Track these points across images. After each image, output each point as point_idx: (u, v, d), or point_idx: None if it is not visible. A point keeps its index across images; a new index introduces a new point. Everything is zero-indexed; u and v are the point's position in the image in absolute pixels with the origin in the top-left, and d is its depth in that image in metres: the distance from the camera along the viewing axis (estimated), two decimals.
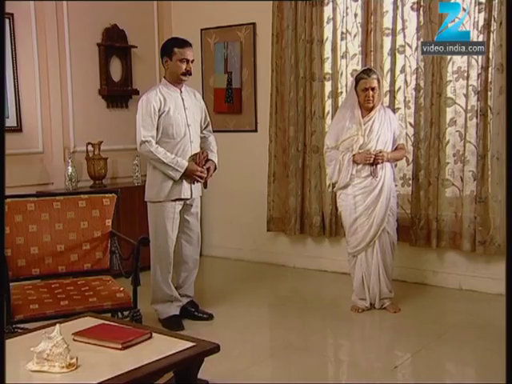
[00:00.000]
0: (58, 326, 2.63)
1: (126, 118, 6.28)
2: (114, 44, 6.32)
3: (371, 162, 4.67)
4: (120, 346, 2.77)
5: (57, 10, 5.86)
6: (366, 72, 4.74)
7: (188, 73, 4.51)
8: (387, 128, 4.77)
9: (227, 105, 6.51)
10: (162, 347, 2.82)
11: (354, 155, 4.71)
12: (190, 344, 2.87)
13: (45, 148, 5.88)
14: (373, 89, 4.66)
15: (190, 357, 2.82)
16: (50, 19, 5.82)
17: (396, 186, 5.07)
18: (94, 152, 6.00)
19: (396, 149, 4.87)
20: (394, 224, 4.88)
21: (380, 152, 4.68)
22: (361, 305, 4.88)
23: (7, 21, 5.43)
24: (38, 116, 5.79)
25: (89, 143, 6.00)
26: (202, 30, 6.63)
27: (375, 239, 4.77)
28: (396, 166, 5.16)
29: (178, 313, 4.67)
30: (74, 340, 2.84)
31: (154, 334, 2.95)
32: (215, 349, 2.89)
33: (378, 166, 4.70)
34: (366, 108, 4.73)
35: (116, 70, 6.40)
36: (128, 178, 6.33)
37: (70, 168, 5.83)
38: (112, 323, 3.19)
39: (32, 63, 5.72)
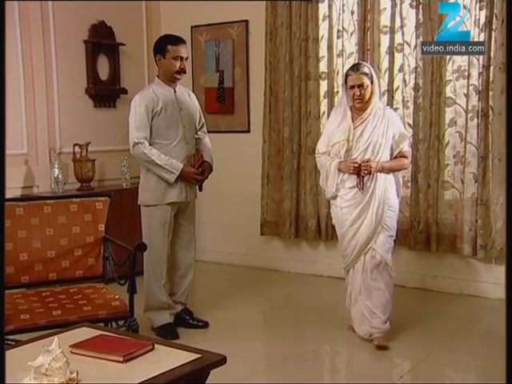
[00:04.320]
0: (56, 338, 2.46)
1: (114, 118, 6.18)
2: (102, 41, 6.17)
3: (355, 172, 4.15)
4: (122, 359, 2.59)
5: (41, 6, 5.70)
6: (354, 67, 4.26)
7: (182, 71, 4.41)
8: (383, 132, 4.21)
9: (219, 105, 6.40)
10: (166, 359, 2.66)
11: (339, 162, 4.23)
12: (196, 356, 2.70)
13: (29, 149, 5.71)
14: (360, 86, 4.14)
15: (196, 370, 2.65)
16: (35, 15, 5.66)
17: (399, 198, 4.41)
18: (82, 153, 5.86)
19: (396, 157, 4.30)
20: (387, 243, 4.26)
21: (367, 161, 4.13)
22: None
23: None
24: (23, 116, 5.62)
25: (76, 144, 5.84)
26: (192, 27, 6.51)
27: (359, 259, 4.26)
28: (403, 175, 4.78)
29: (172, 321, 4.55)
30: (72, 353, 2.66)
31: (156, 346, 2.78)
32: (222, 361, 2.73)
33: (366, 177, 4.15)
34: (358, 108, 4.23)
35: (103, 68, 6.25)
36: (116, 181, 6.17)
37: (56, 170, 5.65)
38: (111, 334, 3.02)
39: (16, 60, 5.52)
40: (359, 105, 4.20)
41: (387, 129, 4.23)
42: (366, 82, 4.16)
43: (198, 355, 2.71)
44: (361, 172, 4.13)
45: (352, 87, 4.18)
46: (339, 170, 4.22)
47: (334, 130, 4.30)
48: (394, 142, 4.27)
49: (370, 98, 4.21)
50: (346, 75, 4.26)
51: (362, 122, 4.23)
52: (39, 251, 3.87)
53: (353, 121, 4.25)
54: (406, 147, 4.35)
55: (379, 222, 4.20)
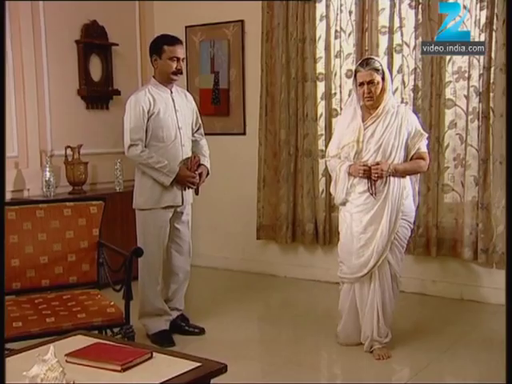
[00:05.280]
0: (52, 347, 2.38)
1: (107, 120, 6.10)
2: (94, 41, 6.07)
3: (365, 175, 3.91)
4: (119, 368, 2.52)
5: (32, 6, 5.60)
6: (363, 63, 3.98)
7: (179, 72, 4.34)
8: (396, 132, 3.94)
9: (214, 106, 6.32)
10: (165, 368, 2.59)
11: (349, 166, 3.99)
12: (196, 364, 2.62)
13: (20, 152, 5.58)
14: (370, 83, 3.89)
15: (196, 379, 2.56)
16: (25, 15, 5.55)
17: (415, 204, 4.19)
18: (74, 156, 5.76)
19: (412, 159, 4.04)
20: (399, 254, 4.10)
21: (377, 164, 3.89)
22: (343, 342, 4.27)
23: None
24: (13, 117, 5.49)
25: (68, 147, 5.74)
26: (186, 27, 6.43)
27: (374, 270, 4.01)
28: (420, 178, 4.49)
29: (167, 327, 4.46)
30: (67, 362, 2.58)
31: (154, 354, 2.70)
32: (222, 369, 2.65)
33: (378, 181, 3.91)
34: (369, 107, 3.98)
35: (96, 69, 6.15)
36: (109, 184, 6.07)
37: (47, 173, 5.54)
38: (107, 342, 2.93)
39: (6, 61, 5.36)
40: (369, 103, 3.96)
41: (401, 128, 3.96)
42: (377, 78, 3.92)
43: (198, 364, 2.64)
44: (371, 175, 3.89)
45: (361, 84, 3.94)
46: (349, 174, 3.98)
47: (343, 131, 4.07)
48: (410, 141, 4.00)
49: (381, 95, 3.97)
50: (355, 71, 4.03)
51: (373, 122, 3.98)
52: (31, 257, 3.78)
53: (363, 120, 4.01)
54: (423, 148, 4.05)
55: (392, 231, 3.97)
